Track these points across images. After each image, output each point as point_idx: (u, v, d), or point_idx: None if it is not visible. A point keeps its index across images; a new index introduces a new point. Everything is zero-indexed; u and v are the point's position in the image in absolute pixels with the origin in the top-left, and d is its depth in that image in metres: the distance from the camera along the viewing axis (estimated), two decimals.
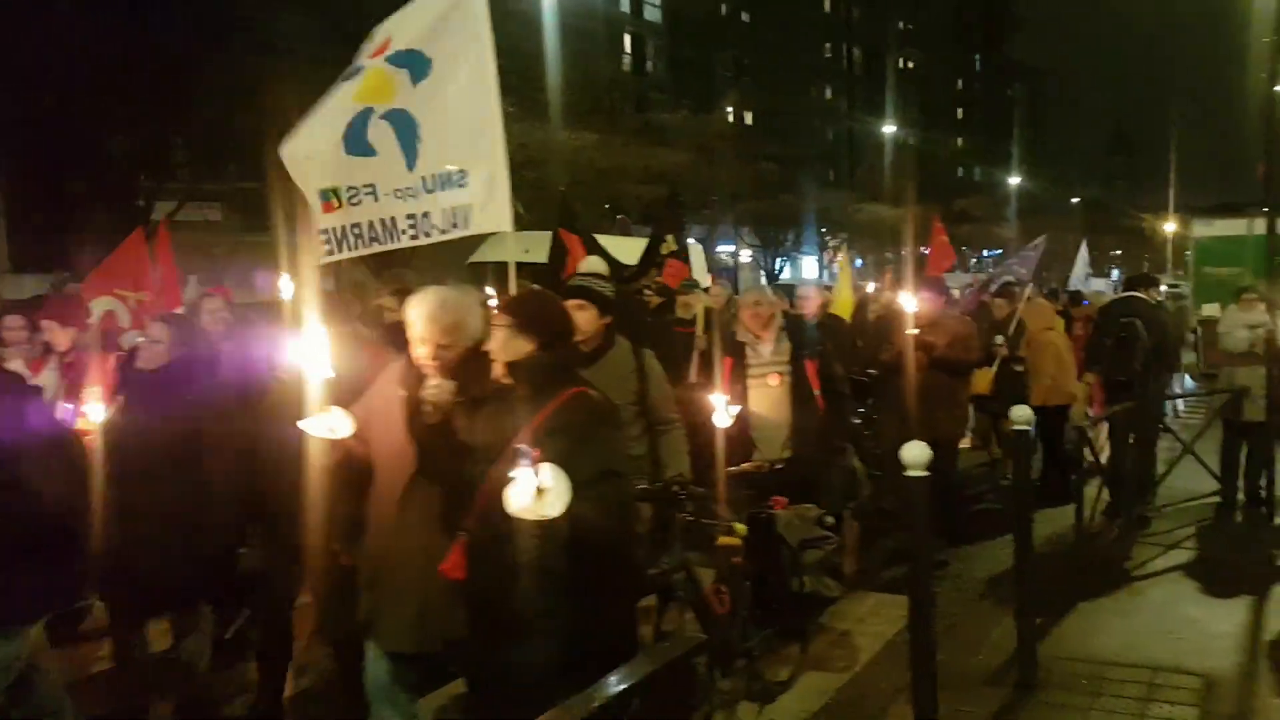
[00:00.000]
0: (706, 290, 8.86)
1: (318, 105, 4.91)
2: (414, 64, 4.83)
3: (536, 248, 9.61)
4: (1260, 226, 18.80)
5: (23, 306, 8.00)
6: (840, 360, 6.65)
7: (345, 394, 3.45)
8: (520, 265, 5.16)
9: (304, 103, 5.05)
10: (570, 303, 4.52)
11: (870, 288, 13.14)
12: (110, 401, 4.71)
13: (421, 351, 3.43)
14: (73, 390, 6.05)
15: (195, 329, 5.26)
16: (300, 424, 3.28)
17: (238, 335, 5.82)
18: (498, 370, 3.30)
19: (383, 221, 4.92)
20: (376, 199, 4.90)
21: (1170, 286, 24.82)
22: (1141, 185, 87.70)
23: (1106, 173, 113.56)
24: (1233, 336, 8.47)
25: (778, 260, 48.60)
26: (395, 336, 4.08)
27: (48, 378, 6.27)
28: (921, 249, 23.69)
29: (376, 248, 4.98)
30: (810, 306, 8.31)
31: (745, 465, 5.12)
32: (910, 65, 75.83)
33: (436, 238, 4.98)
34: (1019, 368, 9.07)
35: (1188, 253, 25.21)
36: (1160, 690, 4.99)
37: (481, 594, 3.15)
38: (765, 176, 39.20)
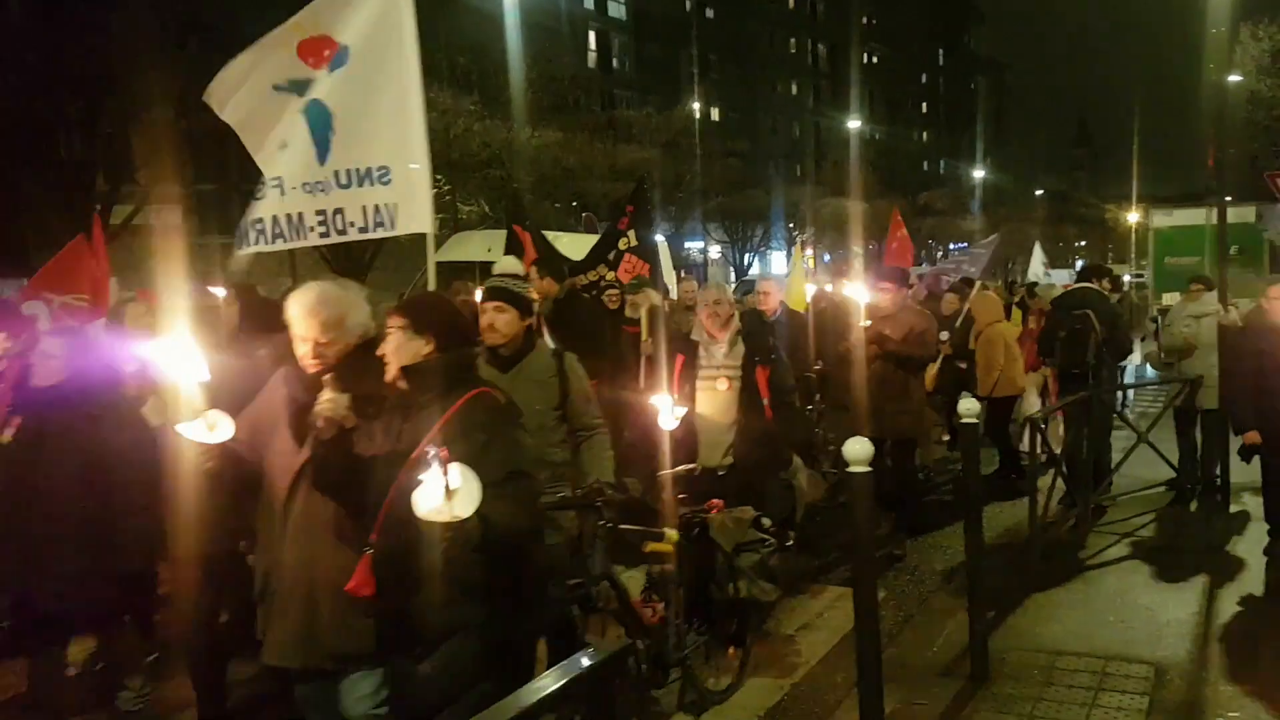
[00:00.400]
0: (665, 292, 8.74)
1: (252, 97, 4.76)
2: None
3: (500, 246, 9.55)
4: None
5: None
6: (793, 355, 6.61)
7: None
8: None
9: None
10: (489, 304, 4.42)
11: (828, 287, 13.09)
12: (4, 422, 4.30)
13: (301, 350, 3.24)
14: None
15: (91, 340, 5.01)
16: (176, 427, 3.07)
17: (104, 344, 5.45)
18: (392, 375, 3.16)
19: (289, 217, 4.73)
20: (283, 193, 4.71)
21: (1135, 276, 25.17)
22: (1105, 176, 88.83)
23: (1070, 164, 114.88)
24: (1169, 332, 8.62)
25: (747, 256, 48.77)
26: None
27: None
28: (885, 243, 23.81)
29: (281, 245, 4.79)
30: (770, 302, 8.18)
31: (679, 469, 4.92)
32: (874, 60, 76.26)
33: (355, 236, 4.81)
34: (962, 364, 9.17)
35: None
36: (1111, 679, 5.02)
37: (392, 607, 3.02)
38: (731, 172, 39.32)
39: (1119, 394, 10.47)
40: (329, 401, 3.03)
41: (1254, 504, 7.63)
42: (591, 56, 52.07)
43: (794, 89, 70.15)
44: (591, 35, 53.04)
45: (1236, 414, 6.95)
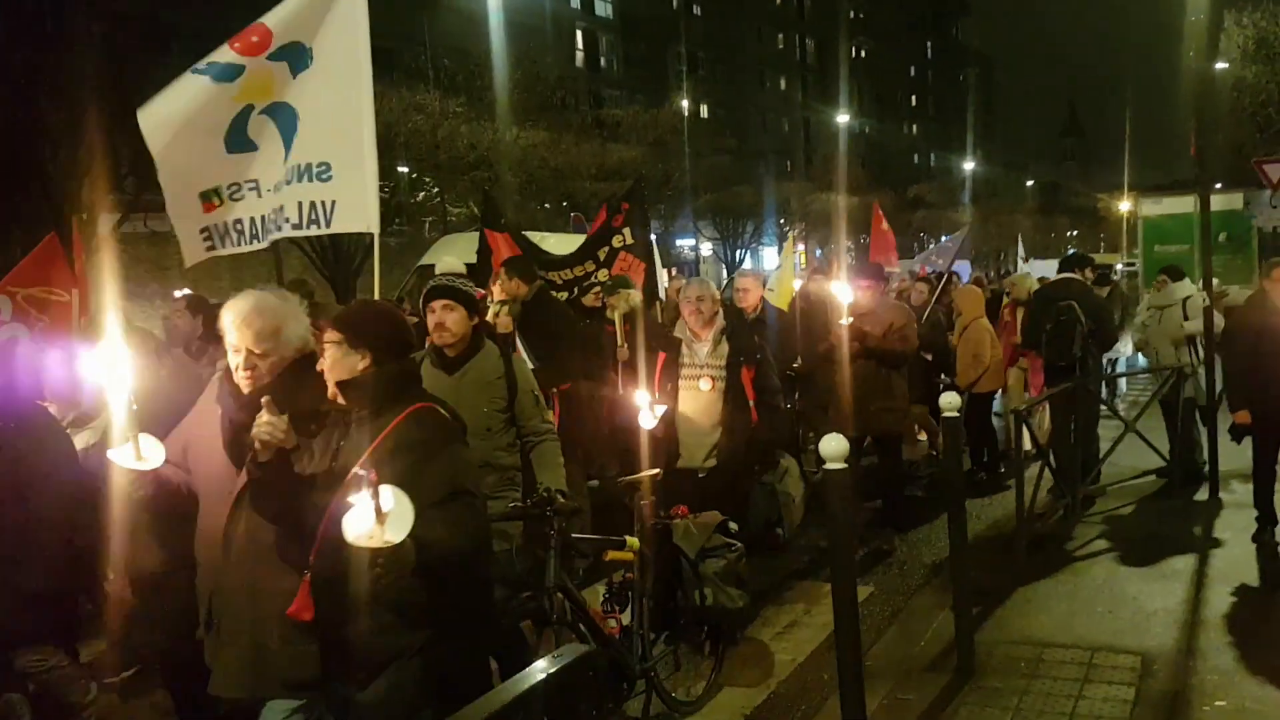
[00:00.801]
0: (656, 292, 8.56)
1: (176, 92, 4.68)
2: (294, 56, 4.68)
3: None
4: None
5: None
6: (778, 353, 6.53)
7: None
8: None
9: None
10: (437, 304, 4.35)
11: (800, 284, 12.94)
12: None
13: (234, 361, 3.10)
14: None
15: (14, 355, 4.90)
16: (108, 454, 2.93)
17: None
18: (330, 391, 3.00)
19: (264, 218, 4.73)
20: (260, 194, 4.71)
21: (1126, 265, 25.18)
22: (1096, 166, 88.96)
23: (1060, 154, 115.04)
24: (1130, 325, 8.66)
25: (738, 252, 48.75)
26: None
27: None
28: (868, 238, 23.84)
29: (257, 245, 4.78)
30: (749, 299, 7.88)
31: (643, 475, 4.71)
32: (863, 54, 76.30)
33: (289, 233, 4.75)
34: (929, 356, 9.16)
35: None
36: (1097, 670, 5.01)
37: (332, 633, 2.88)
38: (721, 169, 39.28)
39: (1107, 384, 10.47)
40: (267, 425, 2.81)
41: (1242, 491, 7.62)
42: (579, 56, 52.04)
43: (782, 84, 70.16)
44: (578, 34, 53.00)
45: (1231, 394, 6.93)
